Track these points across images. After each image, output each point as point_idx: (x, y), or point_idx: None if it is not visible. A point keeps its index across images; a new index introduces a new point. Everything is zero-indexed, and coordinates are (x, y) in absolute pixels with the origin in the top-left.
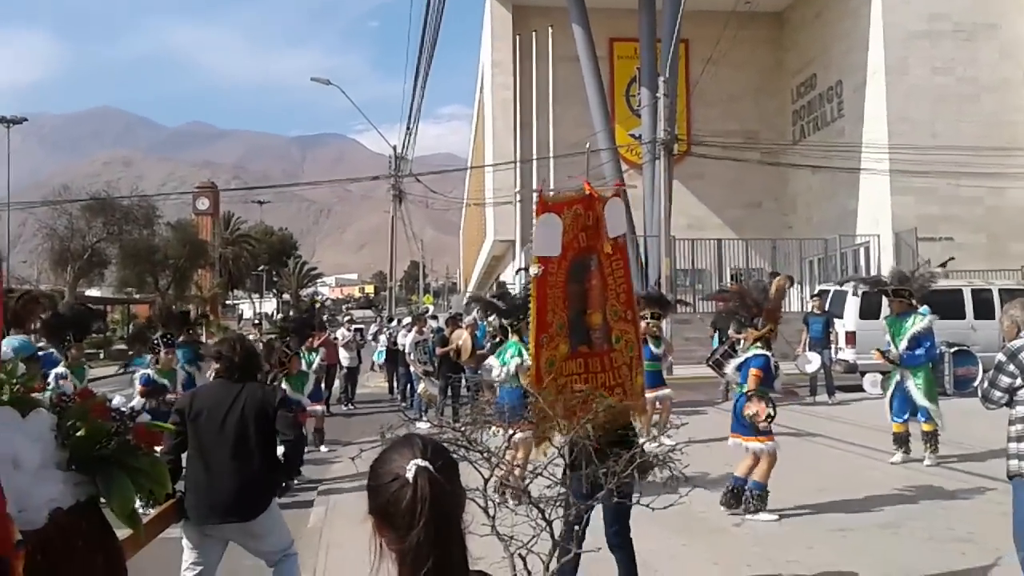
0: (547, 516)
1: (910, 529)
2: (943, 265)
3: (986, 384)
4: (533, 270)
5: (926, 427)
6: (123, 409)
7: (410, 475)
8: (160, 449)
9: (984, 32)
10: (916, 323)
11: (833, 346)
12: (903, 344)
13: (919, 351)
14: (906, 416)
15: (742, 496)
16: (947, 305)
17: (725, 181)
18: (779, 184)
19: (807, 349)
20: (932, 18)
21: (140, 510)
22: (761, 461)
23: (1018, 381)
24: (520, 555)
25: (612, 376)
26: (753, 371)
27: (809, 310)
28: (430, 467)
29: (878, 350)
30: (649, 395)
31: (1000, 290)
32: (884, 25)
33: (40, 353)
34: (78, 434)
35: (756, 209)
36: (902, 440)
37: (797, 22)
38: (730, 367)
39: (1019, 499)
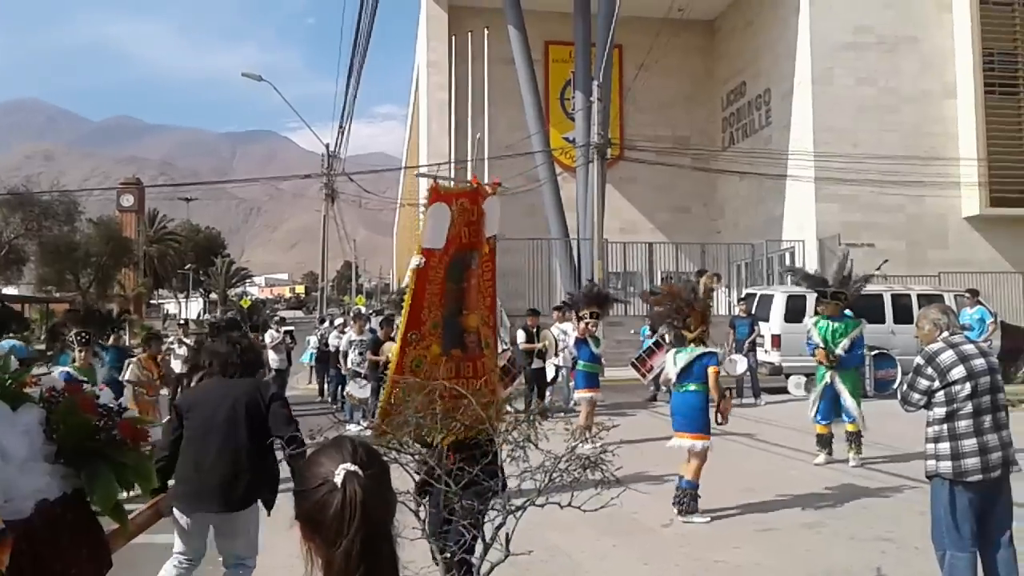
0: (480, 521)
1: (833, 528)
2: (878, 269)
3: (905, 387)
4: (414, 261)
5: (850, 427)
6: (110, 405)
7: (339, 479)
8: (159, 444)
9: (906, 45)
10: (854, 327)
11: (759, 348)
12: (843, 345)
13: (855, 353)
14: (831, 419)
15: (696, 497)
16: (868, 310)
17: (656, 186)
18: (708, 189)
19: (733, 351)
20: (857, 30)
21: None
22: (694, 459)
23: (935, 384)
24: (448, 560)
25: (484, 383)
26: (713, 369)
27: (736, 313)
28: (360, 472)
29: (823, 349)
30: (583, 394)
31: (919, 295)
32: (811, 36)
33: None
34: (65, 428)
35: (686, 214)
36: (826, 441)
37: (728, 31)
38: (670, 367)
39: (936, 498)
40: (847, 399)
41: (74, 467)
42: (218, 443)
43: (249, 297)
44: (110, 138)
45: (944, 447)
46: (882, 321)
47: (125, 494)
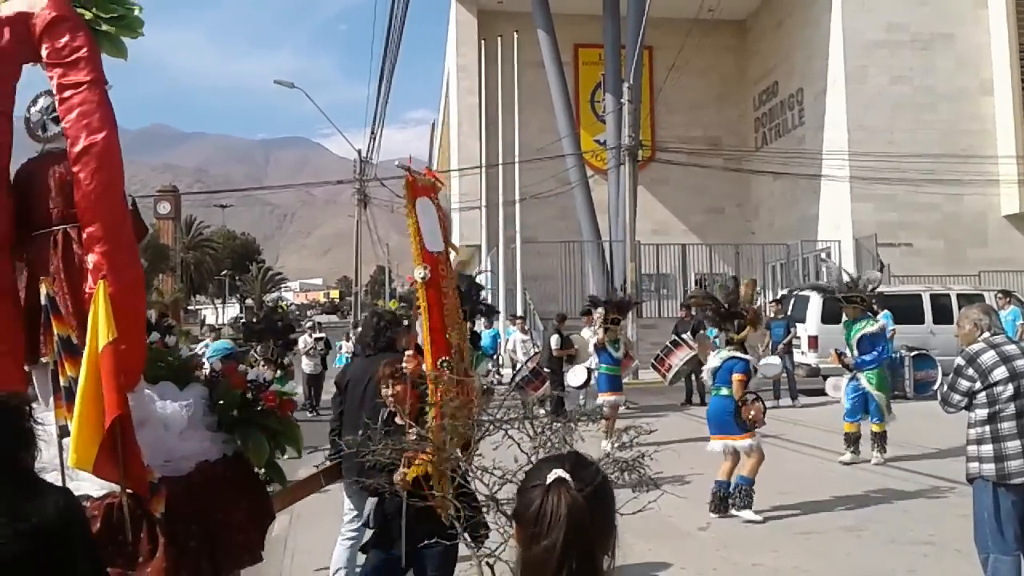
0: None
1: (872, 531)
2: (880, 270)
3: (945, 388)
4: (418, 274)
5: (875, 428)
6: (259, 380)
7: (548, 482)
8: (331, 418)
9: (941, 42)
10: (865, 326)
11: (795, 350)
12: (853, 345)
13: (870, 355)
14: (858, 417)
15: (729, 500)
16: (907, 310)
17: (689, 187)
18: (742, 190)
19: (770, 353)
20: (890, 28)
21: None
22: (751, 457)
23: (976, 385)
24: (488, 563)
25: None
26: (738, 376)
27: (770, 315)
28: (570, 481)
29: (836, 352)
30: (606, 398)
31: (958, 295)
32: (844, 34)
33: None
34: (223, 402)
35: (719, 215)
36: (853, 440)
37: (759, 30)
38: (705, 371)
39: (979, 501)
40: (874, 398)
41: (232, 433)
42: (365, 417)
43: (285, 302)
44: (146, 146)
45: (987, 449)
46: (921, 321)
47: (283, 455)
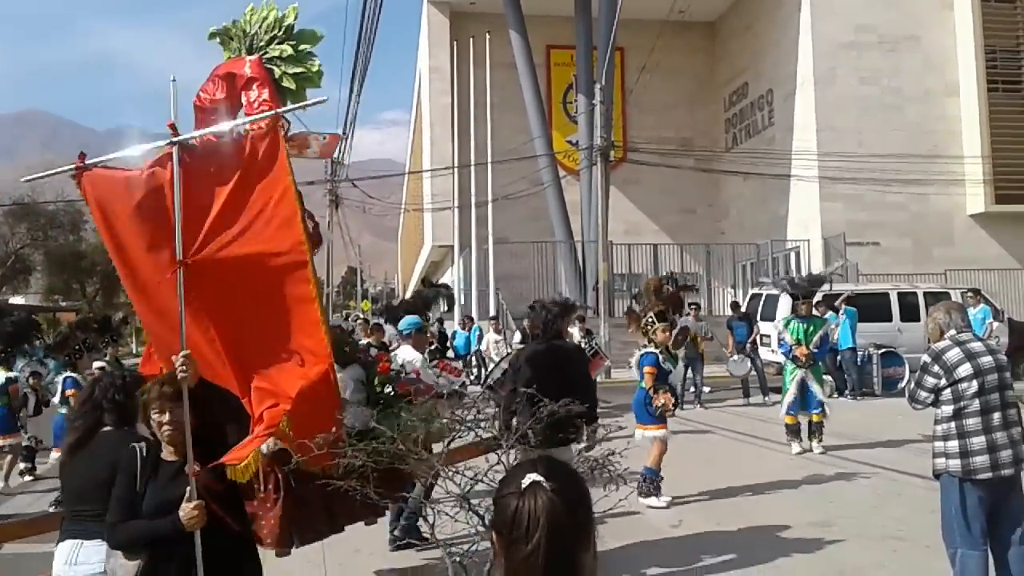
0: (486, 522)
1: (841, 527)
2: (833, 272)
3: (912, 385)
4: None
5: (815, 417)
6: (398, 369)
7: (523, 487)
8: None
9: (907, 44)
10: (822, 326)
11: (765, 348)
12: (815, 343)
13: (822, 349)
14: (797, 411)
15: (658, 485)
16: (874, 308)
17: (660, 187)
18: (712, 190)
19: (734, 353)
20: (858, 30)
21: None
22: (654, 447)
23: (942, 382)
24: (458, 562)
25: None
26: (647, 368)
27: (731, 315)
28: (545, 483)
29: (801, 344)
30: None
31: (925, 293)
32: (812, 36)
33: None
34: (374, 383)
35: (690, 215)
36: (795, 431)
37: (729, 32)
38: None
39: (946, 497)
40: (818, 390)
41: (374, 408)
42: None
43: None
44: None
45: (953, 445)
46: (889, 319)
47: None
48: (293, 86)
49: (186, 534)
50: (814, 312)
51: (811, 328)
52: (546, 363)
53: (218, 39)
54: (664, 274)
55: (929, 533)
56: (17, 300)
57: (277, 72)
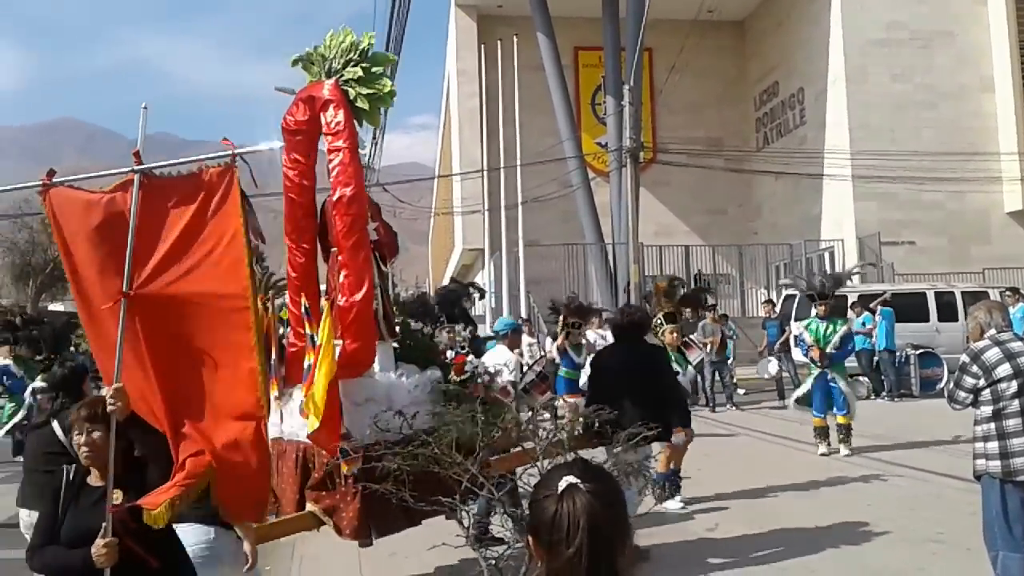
0: (523, 527)
1: (881, 530)
2: (852, 273)
3: (951, 385)
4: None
5: (842, 420)
6: (473, 372)
7: (559, 490)
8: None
9: (940, 40)
10: (842, 326)
11: (797, 349)
12: (833, 343)
13: (845, 349)
14: (824, 412)
15: (678, 487)
16: (911, 308)
17: (691, 188)
18: (744, 190)
19: (767, 354)
20: (890, 26)
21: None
22: (663, 452)
23: (981, 382)
24: (495, 564)
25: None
26: None
27: (764, 315)
28: (582, 486)
29: (817, 346)
30: (568, 400)
31: (963, 293)
32: (843, 33)
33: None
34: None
35: (722, 215)
36: (823, 433)
37: (759, 31)
38: None
39: (987, 498)
40: (844, 386)
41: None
42: (632, 391)
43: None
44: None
45: (992, 446)
46: (926, 319)
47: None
48: (366, 106)
49: (97, 570)
50: (857, 312)
51: (830, 328)
52: (627, 365)
53: (300, 65)
54: (694, 274)
55: (969, 536)
56: (56, 307)
57: (352, 93)
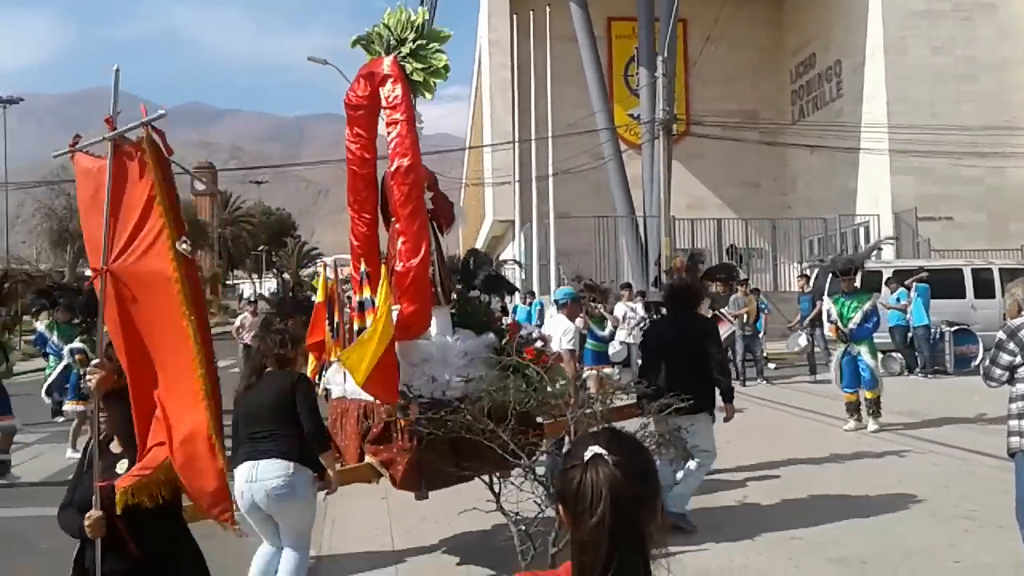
0: (551, 494)
1: (912, 506)
2: (873, 249)
3: (987, 362)
4: (182, 245)
5: (869, 394)
6: (527, 336)
7: (585, 458)
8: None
9: (982, 12)
10: (866, 301)
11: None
12: (855, 319)
13: (867, 325)
14: (855, 387)
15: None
16: (947, 284)
17: (724, 161)
18: (778, 164)
19: (800, 328)
20: None
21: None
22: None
23: (1018, 359)
24: (524, 530)
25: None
26: None
27: (798, 289)
28: (607, 456)
29: (833, 323)
30: (591, 371)
31: (1000, 269)
32: (883, 4)
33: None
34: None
35: (755, 189)
36: (854, 408)
37: (796, 1)
38: None
39: (1021, 476)
40: (869, 359)
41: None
42: (677, 363)
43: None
44: (182, 124)
45: None
46: (962, 296)
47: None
48: (421, 79)
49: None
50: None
51: (854, 304)
52: (672, 336)
53: (361, 45)
54: (726, 247)
55: (1002, 514)
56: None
57: (409, 68)
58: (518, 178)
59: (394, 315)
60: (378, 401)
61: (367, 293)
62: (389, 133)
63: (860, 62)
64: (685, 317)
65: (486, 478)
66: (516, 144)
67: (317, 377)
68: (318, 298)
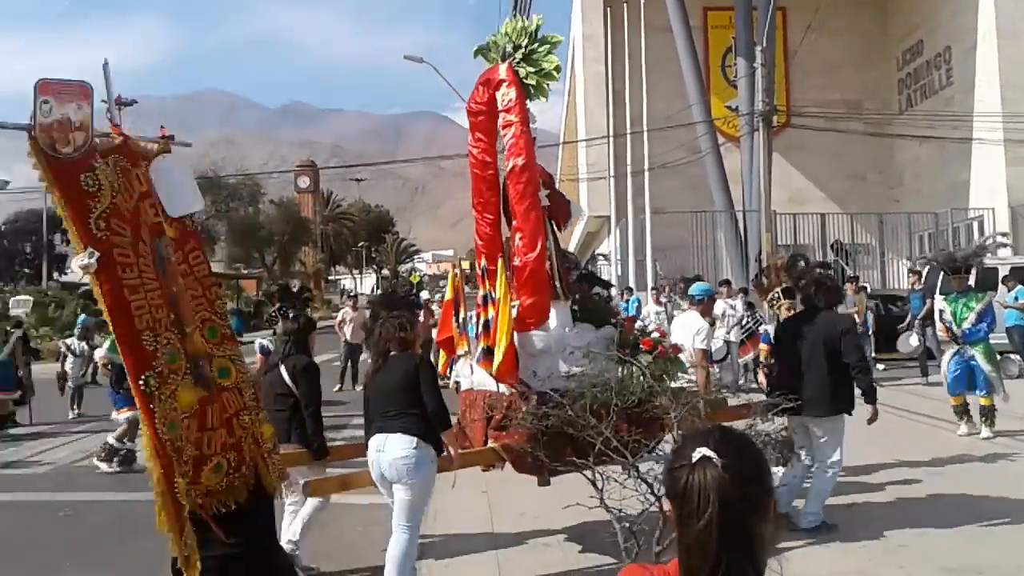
0: (655, 491)
1: None
2: (986, 245)
3: None
4: (82, 259)
5: (984, 401)
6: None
7: (693, 459)
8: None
9: None
10: (980, 300)
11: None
12: (970, 320)
13: (981, 326)
14: (962, 391)
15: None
16: None
17: (827, 153)
18: (884, 156)
19: (907, 328)
20: None
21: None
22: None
23: None
24: (628, 527)
25: (227, 431)
26: (763, 347)
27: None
28: (716, 459)
29: (944, 325)
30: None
31: None
32: None
33: None
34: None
35: (860, 182)
36: (962, 411)
37: None
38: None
39: None
40: (985, 365)
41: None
42: (808, 359)
43: (418, 272)
44: (285, 123)
45: None
46: None
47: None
48: (534, 82)
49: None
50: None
51: (967, 304)
52: (802, 334)
53: (481, 54)
54: (831, 243)
55: None
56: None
57: (522, 72)
58: (613, 173)
59: (513, 311)
60: (502, 389)
61: (488, 288)
62: (504, 135)
63: (971, 47)
64: (822, 313)
65: (588, 474)
66: (611, 139)
67: (447, 371)
68: (447, 295)
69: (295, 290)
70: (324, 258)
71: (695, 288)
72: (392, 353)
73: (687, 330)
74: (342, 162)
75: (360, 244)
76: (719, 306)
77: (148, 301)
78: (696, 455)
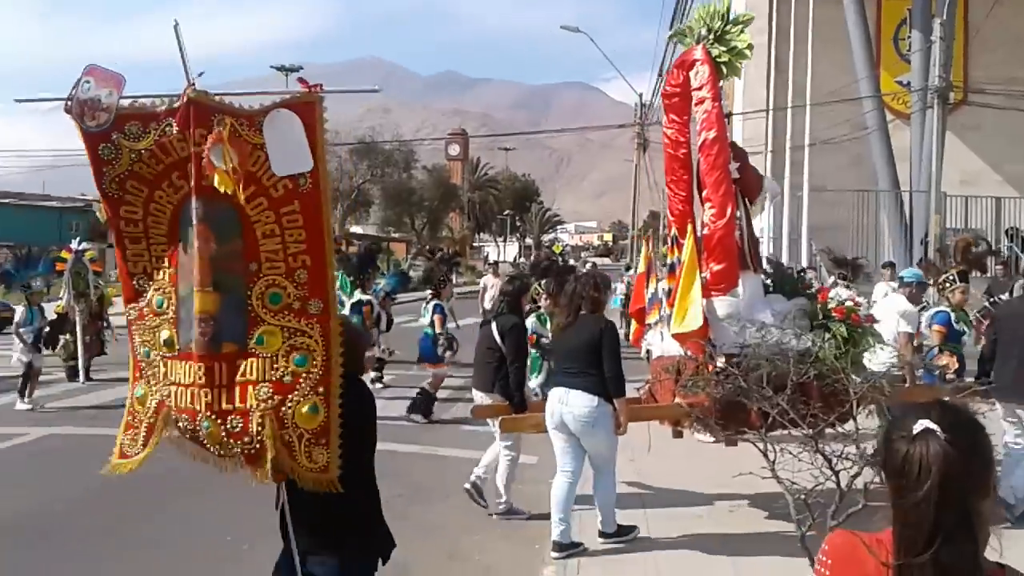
0: (833, 466)
1: None
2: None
3: None
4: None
5: None
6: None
7: (914, 432)
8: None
9: None
10: None
11: None
12: None
13: None
14: None
15: None
16: None
17: (1006, 133)
18: None
19: None
20: None
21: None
22: None
23: None
24: (803, 499)
25: (228, 396)
26: (936, 327)
27: None
28: (939, 432)
29: None
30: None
31: None
32: None
33: None
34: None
35: None
36: None
37: None
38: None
39: None
40: None
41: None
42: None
43: (560, 243)
44: (438, 92)
45: None
46: None
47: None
48: (727, 59)
49: None
50: None
51: None
52: (1016, 316)
53: (677, 39)
54: (1006, 229)
55: None
56: (356, 230)
57: (715, 52)
58: (771, 148)
59: (699, 282)
60: (689, 352)
61: (677, 255)
62: (697, 111)
63: None
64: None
65: (761, 445)
66: (770, 112)
67: (641, 340)
68: (639, 268)
69: (447, 256)
70: (471, 225)
71: (907, 272)
72: (583, 312)
73: (892, 312)
74: (490, 131)
75: (505, 212)
76: (880, 288)
77: (150, 252)
78: (918, 427)
